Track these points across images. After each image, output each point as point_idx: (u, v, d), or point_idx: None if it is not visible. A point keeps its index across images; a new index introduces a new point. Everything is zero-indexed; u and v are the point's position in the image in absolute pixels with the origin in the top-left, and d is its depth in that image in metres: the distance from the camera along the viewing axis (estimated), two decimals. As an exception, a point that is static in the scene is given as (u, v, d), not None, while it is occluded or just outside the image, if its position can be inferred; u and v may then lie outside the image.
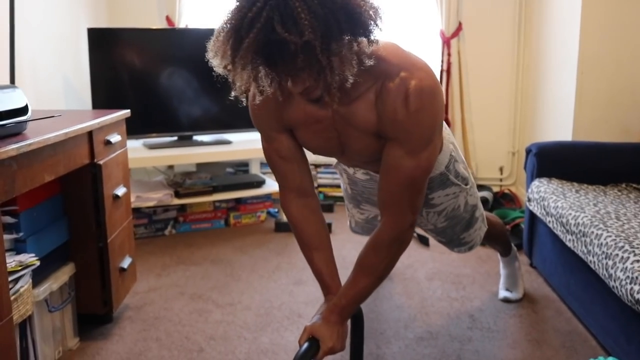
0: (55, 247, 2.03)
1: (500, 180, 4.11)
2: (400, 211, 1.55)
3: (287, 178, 1.71)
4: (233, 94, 1.38)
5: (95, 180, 2.07)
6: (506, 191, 4.00)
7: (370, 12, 1.29)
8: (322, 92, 1.33)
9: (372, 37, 1.30)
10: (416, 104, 1.40)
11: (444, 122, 1.70)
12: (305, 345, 1.52)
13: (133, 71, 3.37)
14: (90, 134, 2.01)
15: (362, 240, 2.82)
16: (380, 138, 1.51)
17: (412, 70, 1.42)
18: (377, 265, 1.59)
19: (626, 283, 1.77)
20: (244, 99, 1.41)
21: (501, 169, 4.10)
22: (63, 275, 2.03)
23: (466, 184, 1.89)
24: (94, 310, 2.19)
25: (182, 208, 3.43)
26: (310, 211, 1.73)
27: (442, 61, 3.86)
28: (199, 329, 2.27)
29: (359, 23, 1.26)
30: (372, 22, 1.29)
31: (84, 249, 2.13)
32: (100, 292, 2.16)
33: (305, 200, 1.73)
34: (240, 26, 1.21)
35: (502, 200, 3.84)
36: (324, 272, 1.72)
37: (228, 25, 1.25)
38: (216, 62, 1.31)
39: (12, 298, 1.59)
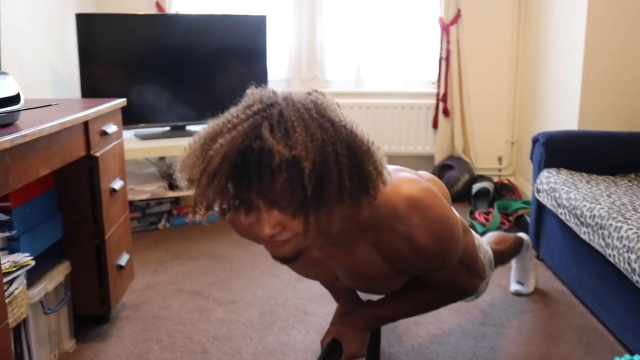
0: (50, 244, 1.91)
1: (499, 170, 4.04)
2: (465, 286, 1.52)
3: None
4: (189, 216, 1.13)
5: (91, 173, 1.95)
6: (505, 181, 3.93)
7: (376, 159, 1.08)
8: (296, 245, 1.10)
9: (371, 192, 1.08)
10: (430, 251, 1.24)
11: None
12: (330, 347, 1.44)
13: (123, 58, 3.23)
14: (86, 124, 1.89)
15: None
16: (398, 277, 1.42)
17: (407, 216, 1.22)
18: (433, 306, 1.57)
19: (653, 278, 1.70)
20: (201, 219, 1.13)
21: (500, 159, 4.04)
22: (58, 274, 1.92)
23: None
24: (90, 310, 2.08)
25: (176, 201, 3.31)
26: None
27: (441, 49, 3.77)
28: (202, 329, 2.16)
29: (361, 165, 1.05)
30: (375, 172, 1.07)
31: (80, 246, 2.01)
32: (97, 291, 2.04)
33: None
34: (219, 130, 1.02)
35: (502, 191, 3.77)
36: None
37: (205, 131, 1.06)
38: (181, 175, 1.08)
39: (6, 301, 1.48)
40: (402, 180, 1.28)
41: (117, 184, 2.09)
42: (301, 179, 0.96)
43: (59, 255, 1.99)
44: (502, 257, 2.12)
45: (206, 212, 1.08)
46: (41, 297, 1.79)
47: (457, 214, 1.61)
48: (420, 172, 1.49)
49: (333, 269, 1.40)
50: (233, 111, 1.04)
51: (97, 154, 1.94)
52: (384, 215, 1.21)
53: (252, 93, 1.09)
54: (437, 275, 1.41)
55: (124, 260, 2.16)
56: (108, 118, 2.08)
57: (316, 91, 1.09)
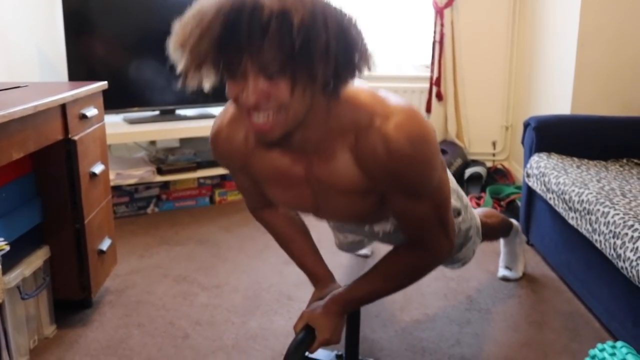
0: (28, 229, 1.89)
1: (493, 155, 4.00)
2: (433, 242, 1.41)
3: (253, 200, 1.64)
4: (179, 80, 1.12)
5: (70, 157, 1.92)
6: (499, 166, 3.90)
7: (363, 40, 1.11)
8: (282, 125, 1.12)
9: (355, 70, 1.10)
10: (401, 153, 1.19)
11: None
12: (302, 334, 1.41)
13: (112, 40, 3.19)
14: (63, 107, 1.86)
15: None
16: (368, 196, 1.33)
17: (386, 115, 1.20)
18: (402, 279, 1.49)
19: (637, 264, 1.67)
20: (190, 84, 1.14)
21: (494, 144, 4.00)
22: (37, 259, 1.89)
23: (459, 214, 1.70)
24: (71, 296, 2.06)
25: (164, 185, 3.28)
26: (279, 214, 1.66)
27: (435, 32, 3.72)
28: (184, 314, 2.15)
29: (348, 38, 1.07)
30: (361, 51, 1.10)
31: (59, 231, 1.99)
32: (77, 277, 2.02)
33: (275, 208, 1.66)
34: None
35: (495, 176, 3.74)
36: (306, 261, 1.64)
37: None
38: (174, 41, 1.08)
39: (-22, 286, 1.46)
40: (390, 96, 1.27)
41: (98, 169, 2.07)
42: (290, 32, 0.99)
43: (38, 240, 1.97)
44: (490, 230, 2.09)
45: (196, 77, 1.10)
46: (18, 282, 1.77)
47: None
48: None
49: (311, 191, 1.36)
50: None
51: (76, 138, 1.91)
52: (366, 115, 1.21)
53: None
54: (408, 209, 1.33)
55: (105, 245, 2.14)
56: (88, 101, 2.04)
57: None
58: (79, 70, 3.03)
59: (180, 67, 1.08)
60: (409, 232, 1.40)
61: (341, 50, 1.06)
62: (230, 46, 1.03)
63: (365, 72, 1.13)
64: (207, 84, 1.13)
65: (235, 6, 1.00)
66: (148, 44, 3.21)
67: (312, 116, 1.16)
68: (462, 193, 1.76)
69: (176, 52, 1.08)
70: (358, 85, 1.24)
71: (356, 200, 1.34)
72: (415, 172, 1.23)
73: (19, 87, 1.77)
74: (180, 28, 1.08)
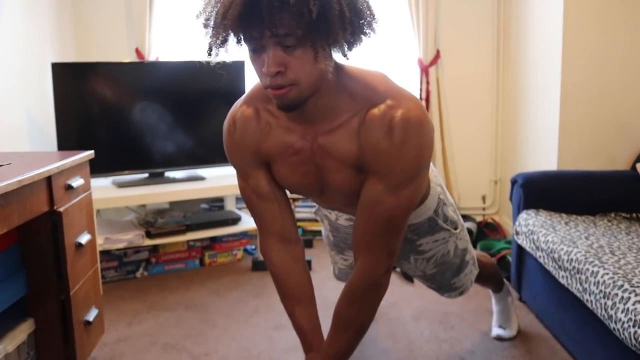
0: (12, 302, 1.85)
1: (483, 209, 4.01)
2: (375, 255, 1.42)
3: (266, 220, 1.58)
4: (207, 55, 1.27)
5: (55, 228, 1.90)
6: (489, 220, 3.90)
7: (371, 7, 1.27)
8: (298, 93, 1.25)
9: (365, 32, 1.26)
10: (401, 135, 1.29)
11: (432, 164, 1.58)
12: None
13: (101, 106, 3.22)
14: (49, 179, 1.85)
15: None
16: (361, 172, 1.39)
17: (399, 99, 1.32)
18: (354, 317, 1.48)
19: (629, 326, 1.66)
20: (217, 59, 1.29)
21: (484, 198, 4.01)
22: (20, 333, 1.86)
23: (455, 228, 1.77)
24: (56, 370, 2.01)
25: (154, 249, 3.26)
26: (293, 260, 1.60)
27: (421, 90, 3.78)
28: (172, 385, 2.10)
29: (358, 5, 1.22)
30: (369, 15, 1.25)
31: (44, 303, 1.95)
32: (63, 349, 1.98)
33: (288, 247, 1.60)
34: None
35: (485, 230, 3.74)
36: (306, 328, 1.58)
37: None
38: (199, 19, 1.24)
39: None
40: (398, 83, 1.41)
41: (84, 239, 2.05)
42: (307, 2, 1.12)
43: (22, 313, 1.94)
44: (484, 269, 2.10)
45: (221, 47, 1.23)
46: (0, 358, 1.73)
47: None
48: None
49: (316, 168, 1.43)
50: None
51: (61, 209, 1.90)
52: (381, 95, 1.33)
53: None
54: (375, 199, 1.37)
55: (92, 315, 2.10)
56: (74, 171, 2.04)
57: None
58: (68, 136, 3.04)
59: (206, 41, 1.24)
60: (361, 230, 1.43)
61: (354, 13, 1.20)
62: (252, 20, 1.15)
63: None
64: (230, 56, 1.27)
65: None
66: (136, 109, 3.25)
67: (324, 85, 1.29)
68: (457, 212, 1.82)
69: (200, 26, 1.23)
70: (374, 72, 1.39)
71: (351, 174, 1.40)
72: (400, 154, 1.31)
73: (1, 165, 1.77)
74: (203, 5, 1.23)
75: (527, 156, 3.46)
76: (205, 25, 1.22)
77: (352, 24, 1.20)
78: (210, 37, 1.22)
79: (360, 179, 1.40)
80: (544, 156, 3.14)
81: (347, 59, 1.30)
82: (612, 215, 2.58)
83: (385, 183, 1.35)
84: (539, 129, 3.25)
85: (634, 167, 2.79)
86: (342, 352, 1.51)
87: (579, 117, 2.92)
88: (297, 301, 1.61)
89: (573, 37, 2.86)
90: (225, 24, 1.17)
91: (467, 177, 3.96)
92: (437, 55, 3.76)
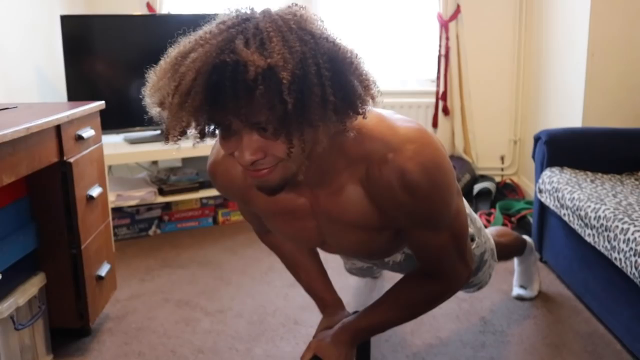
0: (22, 256, 1.81)
1: (502, 169, 3.92)
2: (451, 272, 1.35)
3: (261, 227, 1.56)
4: (165, 139, 1.00)
5: (65, 180, 1.85)
6: (508, 181, 3.81)
7: (362, 73, 1.01)
8: (283, 172, 1.02)
9: (358, 109, 1.00)
10: (422, 189, 1.12)
11: None
12: None
13: (112, 61, 3.14)
14: (58, 128, 1.79)
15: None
16: (384, 230, 1.27)
17: (400, 148, 1.12)
18: (417, 308, 1.42)
19: (661, 284, 1.59)
20: (176, 144, 1.00)
21: (502, 158, 3.91)
22: (32, 287, 1.82)
23: (472, 240, 1.65)
24: (68, 324, 1.98)
25: (166, 206, 3.21)
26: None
27: (440, 46, 3.65)
28: (186, 341, 2.06)
29: (344, 79, 0.97)
30: (361, 87, 1.00)
31: (55, 257, 1.91)
32: (74, 304, 1.94)
33: None
34: (190, 48, 0.94)
35: (504, 191, 3.65)
36: (315, 286, 1.56)
37: (176, 50, 0.98)
38: (151, 100, 0.99)
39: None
40: (399, 119, 1.20)
41: (95, 191, 1.99)
42: (279, 91, 0.89)
43: (33, 267, 1.89)
44: (504, 250, 2.01)
45: (180, 138, 0.98)
46: (11, 312, 1.69)
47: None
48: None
49: (317, 225, 1.29)
50: (206, 27, 0.97)
51: (71, 160, 1.84)
52: (377, 147, 1.13)
53: (228, 10, 1.01)
54: (424, 240, 1.27)
55: (104, 270, 2.06)
56: (84, 122, 1.98)
57: (297, 5, 1.02)
58: (78, 91, 2.97)
59: (163, 125, 0.98)
60: (426, 263, 1.34)
61: (339, 94, 0.95)
62: (216, 109, 0.92)
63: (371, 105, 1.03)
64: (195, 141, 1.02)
65: (217, 66, 0.89)
66: (148, 63, 3.16)
67: (316, 153, 1.07)
68: (475, 216, 1.68)
69: (153, 106, 0.99)
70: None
71: (370, 235, 1.27)
72: (434, 204, 1.16)
73: (7, 108, 1.70)
74: (156, 82, 0.98)
75: (549, 114, 3.36)
76: (160, 107, 0.98)
77: (336, 108, 0.95)
78: (167, 123, 0.97)
79: (381, 238, 1.29)
80: (568, 113, 3.04)
81: (338, 133, 1.05)
82: (639, 174, 2.49)
83: (426, 228, 1.24)
84: (563, 85, 3.13)
85: (662, 125, 2.69)
86: (384, 325, 1.45)
87: (606, 72, 2.81)
88: (300, 265, 1.61)
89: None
90: (184, 113, 0.93)
91: (486, 136, 3.85)
92: (458, 10, 3.62)
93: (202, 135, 1.01)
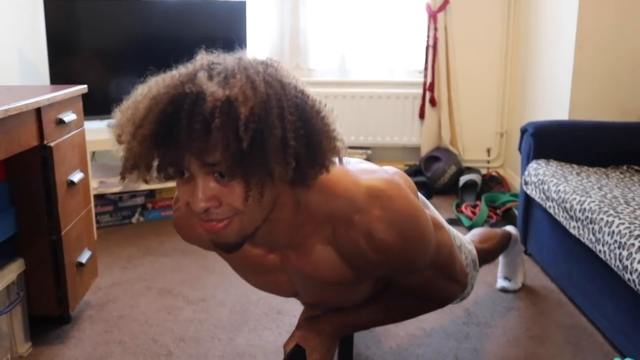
0: (1, 241, 1.77)
1: (488, 162, 3.92)
2: (442, 293, 1.38)
3: None
4: (120, 176, 0.96)
5: (45, 164, 1.81)
6: (494, 173, 3.81)
7: (329, 125, 0.97)
8: (239, 229, 0.97)
9: (322, 161, 0.97)
10: (393, 247, 1.09)
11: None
12: (292, 354, 1.32)
13: (97, 46, 3.08)
14: (38, 111, 1.75)
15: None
16: (361, 282, 1.24)
17: (366, 207, 1.08)
18: (406, 315, 1.44)
19: (645, 276, 1.58)
20: (132, 182, 0.98)
21: (488, 151, 3.91)
22: (10, 273, 1.78)
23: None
24: (47, 311, 1.95)
25: (150, 194, 3.17)
26: None
27: (428, 36, 3.64)
28: (168, 329, 2.04)
29: (309, 127, 0.93)
30: (326, 139, 0.96)
31: (35, 243, 1.87)
32: (54, 291, 1.91)
33: None
34: (155, 82, 0.92)
35: (490, 183, 3.66)
36: None
37: (143, 86, 0.95)
38: (112, 133, 0.96)
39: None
40: (362, 170, 1.15)
41: (76, 177, 1.96)
42: (236, 127, 0.84)
43: (12, 252, 1.86)
44: (488, 255, 2.00)
45: (134, 174, 0.94)
46: (-12, 298, 1.66)
47: (431, 210, 1.50)
48: (386, 168, 1.31)
49: (289, 278, 1.26)
50: (179, 68, 0.95)
51: (52, 144, 1.80)
52: (341, 207, 1.08)
53: (201, 55, 1.00)
54: (408, 280, 1.28)
55: (85, 257, 2.03)
56: (66, 105, 1.94)
57: (272, 59, 0.99)
58: (61, 76, 2.92)
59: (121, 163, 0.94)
60: (416, 294, 1.35)
61: (302, 145, 0.91)
62: (169, 143, 0.87)
63: (335, 164, 1.00)
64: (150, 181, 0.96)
65: (175, 97, 0.86)
66: (134, 49, 3.12)
67: (277, 212, 1.03)
68: (455, 232, 1.63)
69: (113, 142, 0.96)
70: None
71: (348, 289, 1.24)
72: (409, 255, 1.13)
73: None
74: (119, 118, 0.95)
75: (536, 106, 3.35)
76: (118, 139, 0.94)
77: (297, 156, 0.91)
78: (122, 159, 0.93)
79: (360, 290, 1.27)
80: (555, 106, 3.04)
81: (299, 190, 1.03)
82: (625, 167, 2.49)
83: (412, 274, 1.25)
84: (550, 78, 3.13)
85: (648, 119, 2.70)
86: (371, 324, 1.45)
87: (593, 66, 2.80)
88: None
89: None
90: (135, 146, 0.89)
91: (472, 128, 3.85)
92: (446, 1, 3.60)
93: (160, 173, 0.94)
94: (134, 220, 3.12)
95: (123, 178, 0.95)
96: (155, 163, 0.92)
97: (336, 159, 1.00)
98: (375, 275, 1.24)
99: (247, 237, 1.01)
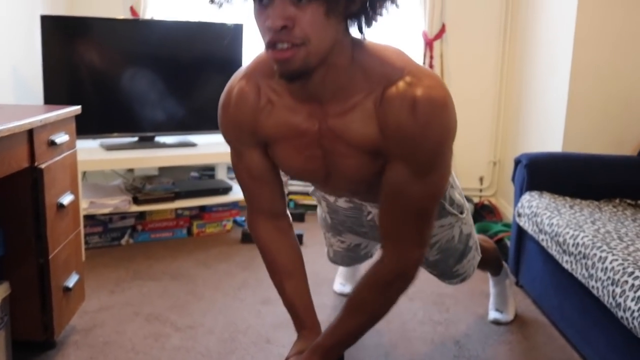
0: (-14, 263, 1.74)
1: (480, 190, 3.92)
2: (406, 244, 1.32)
3: (257, 200, 1.48)
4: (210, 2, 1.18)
5: (35, 186, 1.78)
6: (486, 202, 3.81)
7: None
8: (305, 57, 1.11)
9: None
10: (425, 115, 1.17)
11: None
12: None
13: (91, 64, 3.07)
14: (30, 132, 1.73)
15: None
16: (378, 157, 1.26)
17: (419, 76, 1.19)
18: (373, 303, 1.37)
19: (639, 315, 1.57)
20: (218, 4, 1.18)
21: (481, 179, 3.91)
22: (-6, 296, 1.75)
23: (462, 213, 1.67)
24: (32, 337, 1.90)
25: (140, 215, 3.14)
26: (281, 234, 1.51)
27: (424, 64, 3.65)
28: (155, 357, 2.00)
29: None
30: None
31: (21, 266, 1.84)
32: (39, 316, 1.87)
33: (276, 222, 1.51)
34: None
35: (482, 212, 3.65)
36: (297, 303, 1.49)
37: None
38: None
39: None
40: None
41: (67, 199, 1.93)
42: None
43: (-2, 275, 1.83)
44: (485, 253, 2.00)
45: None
46: (-29, 322, 1.63)
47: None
48: None
49: (322, 154, 1.31)
50: None
51: (43, 166, 1.78)
52: (395, 70, 1.20)
53: None
54: (402, 187, 1.26)
55: (72, 281, 1.99)
56: (58, 126, 1.92)
57: None
58: (55, 94, 2.90)
59: None
60: (389, 220, 1.33)
61: None
62: None
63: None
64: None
65: None
66: (130, 69, 3.12)
67: (335, 57, 1.17)
68: (464, 201, 1.71)
69: None
70: (389, 47, 1.26)
71: (366, 160, 1.28)
72: (429, 134, 1.19)
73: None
74: None
75: (529, 137, 3.36)
76: None
77: None
78: None
79: (376, 166, 1.29)
80: (549, 137, 3.05)
81: (363, 34, 1.19)
82: (617, 201, 2.49)
83: (410, 168, 1.24)
84: (545, 109, 3.14)
85: (640, 153, 2.71)
86: (349, 336, 1.42)
87: (587, 98, 2.82)
88: (287, 276, 1.52)
89: (587, 13, 2.74)
90: None
91: (465, 156, 3.85)
92: (443, 29, 3.63)
93: None
94: (123, 241, 3.09)
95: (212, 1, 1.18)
96: None
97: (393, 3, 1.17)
98: (394, 150, 1.24)
99: (310, 68, 1.13)
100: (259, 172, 1.42)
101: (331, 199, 1.72)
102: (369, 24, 1.15)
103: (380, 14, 1.15)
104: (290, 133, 1.30)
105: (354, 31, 1.19)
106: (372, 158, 1.27)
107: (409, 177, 1.24)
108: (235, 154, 1.44)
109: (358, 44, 1.22)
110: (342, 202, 1.70)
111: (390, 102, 1.19)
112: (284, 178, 1.61)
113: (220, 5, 1.16)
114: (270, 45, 1.11)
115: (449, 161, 1.31)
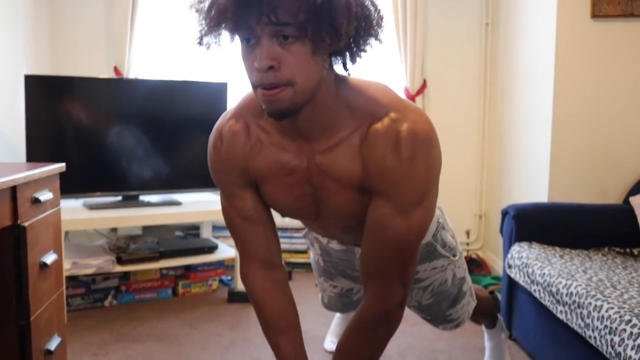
0: (-36, 326, 1.67)
1: (467, 244, 3.90)
2: (388, 284, 1.29)
3: (250, 244, 1.43)
4: (198, 44, 1.17)
5: (18, 245, 1.73)
6: (473, 256, 3.79)
7: (379, 10, 1.17)
8: (292, 98, 1.13)
9: (369, 37, 1.16)
10: (409, 152, 1.18)
11: None
12: None
13: (75, 123, 3.06)
14: (13, 190, 1.69)
15: (328, 313, 2.53)
16: (365, 193, 1.26)
17: (403, 111, 1.20)
18: (360, 351, 1.33)
19: (640, 364, 1.54)
20: (206, 46, 1.18)
21: (468, 233, 3.91)
22: (-28, 361, 1.67)
23: (454, 255, 1.65)
24: (10, 403, 1.81)
25: (124, 276, 3.07)
26: (277, 286, 1.46)
27: (407, 119, 3.69)
28: (140, 423, 1.91)
29: (366, 4, 1.13)
30: (377, 9, 1.16)
31: (1, 328, 1.76)
32: (19, 381, 1.79)
33: (271, 273, 1.46)
34: None
35: (470, 266, 3.62)
36: None
37: None
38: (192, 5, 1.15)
39: None
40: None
41: (50, 258, 1.88)
42: None
43: (-24, 338, 1.75)
44: (480, 302, 1.96)
45: (212, 38, 1.15)
46: (-53, 389, 1.54)
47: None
48: None
49: (312, 191, 1.31)
50: None
51: (26, 224, 1.73)
52: (383, 107, 1.22)
53: None
54: (384, 223, 1.24)
55: (54, 344, 1.91)
56: (42, 184, 1.88)
57: None
58: (38, 152, 2.87)
59: (197, 30, 1.14)
60: (371, 256, 1.31)
61: (361, 12, 1.10)
62: (249, 5, 1.06)
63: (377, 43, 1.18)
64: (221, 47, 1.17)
65: None
66: (112, 128, 3.11)
67: (322, 93, 1.18)
68: (455, 243, 1.71)
69: (192, 15, 1.15)
70: (375, 83, 1.28)
71: (353, 196, 1.27)
72: (413, 170, 1.19)
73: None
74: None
75: (514, 189, 3.38)
76: (197, 10, 1.12)
77: (357, 19, 1.10)
78: (202, 23, 1.12)
79: (363, 202, 1.28)
80: (533, 189, 3.06)
81: (348, 71, 1.20)
82: (606, 249, 2.49)
83: (394, 205, 1.23)
84: (528, 161, 3.17)
85: (626, 201, 2.72)
86: None
87: (570, 149, 2.85)
88: (282, 331, 1.46)
89: (565, 67, 2.80)
90: (220, 6, 1.07)
91: (450, 210, 3.77)
92: (424, 85, 3.69)
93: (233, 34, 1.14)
94: (106, 303, 3.01)
95: (201, 41, 1.16)
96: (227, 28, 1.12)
97: (381, 35, 1.17)
98: (376, 186, 1.24)
99: (298, 106, 1.15)
100: (251, 212, 1.39)
101: (324, 240, 1.69)
102: (353, 61, 1.17)
103: (365, 50, 1.17)
104: (281, 171, 1.30)
105: (338, 68, 1.22)
106: (360, 194, 1.27)
107: (393, 214, 1.23)
108: (226, 197, 1.42)
109: (342, 80, 1.24)
110: (334, 244, 1.68)
111: (374, 138, 1.20)
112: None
113: (209, 47, 1.16)
114: (258, 85, 1.13)
115: (434, 197, 1.30)
